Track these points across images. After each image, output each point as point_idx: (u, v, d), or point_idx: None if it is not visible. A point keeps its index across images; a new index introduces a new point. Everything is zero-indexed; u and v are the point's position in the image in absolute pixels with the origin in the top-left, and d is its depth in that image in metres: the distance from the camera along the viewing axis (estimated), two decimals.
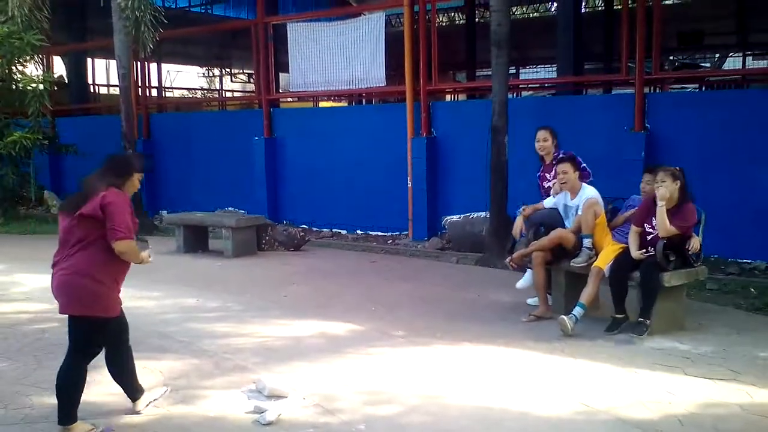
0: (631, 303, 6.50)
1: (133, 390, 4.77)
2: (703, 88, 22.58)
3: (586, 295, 6.55)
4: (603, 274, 6.54)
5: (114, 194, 4.32)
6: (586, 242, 6.79)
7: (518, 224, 7.46)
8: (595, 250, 6.80)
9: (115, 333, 4.58)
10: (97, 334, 4.48)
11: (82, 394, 4.49)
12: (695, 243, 6.42)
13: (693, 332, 6.46)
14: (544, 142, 7.65)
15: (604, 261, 6.58)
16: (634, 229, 6.56)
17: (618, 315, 6.44)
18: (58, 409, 4.43)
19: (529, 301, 7.59)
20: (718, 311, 7.33)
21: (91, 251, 4.33)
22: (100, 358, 4.63)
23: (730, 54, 29.88)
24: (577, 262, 6.76)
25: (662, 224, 6.24)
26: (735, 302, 7.69)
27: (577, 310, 6.47)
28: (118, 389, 4.83)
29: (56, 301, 4.49)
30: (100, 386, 5.13)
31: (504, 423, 4.60)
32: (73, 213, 4.33)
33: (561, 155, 7.33)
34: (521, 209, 7.53)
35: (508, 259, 7.53)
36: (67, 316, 4.49)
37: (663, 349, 5.98)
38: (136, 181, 4.57)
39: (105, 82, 28.86)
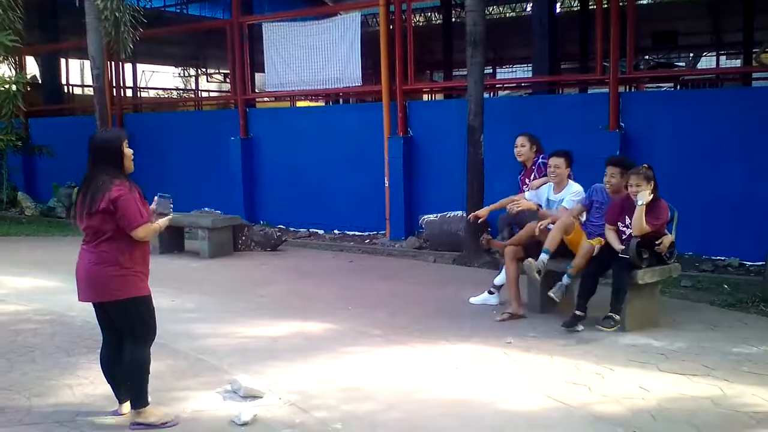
0: (600, 300, 6.55)
1: (126, 390, 4.73)
2: (678, 87, 22.78)
3: (576, 268, 6.62)
4: (593, 252, 6.57)
5: (118, 189, 4.40)
6: (544, 255, 6.73)
7: (482, 212, 7.67)
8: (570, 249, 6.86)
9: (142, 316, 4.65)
10: (148, 310, 4.61)
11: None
12: (666, 241, 6.49)
13: (667, 329, 6.53)
14: (521, 147, 7.85)
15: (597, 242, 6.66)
16: (609, 227, 6.62)
17: (579, 312, 6.46)
18: (137, 395, 4.56)
19: (472, 300, 7.68)
20: (692, 308, 7.40)
21: (111, 241, 4.46)
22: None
23: (705, 53, 30.21)
24: (555, 293, 6.70)
25: (638, 224, 6.29)
26: (709, 299, 7.76)
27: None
28: (100, 391, 4.80)
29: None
30: (81, 387, 5.13)
31: (481, 420, 4.62)
32: (90, 209, 4.42)
33: (554, 151, 7.39)
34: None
35: (483, 236, 7.64)
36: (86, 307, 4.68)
37: (637, 346, 6.04)
38: (128, 152, 4.61)
39: (79, 83, 28.62)
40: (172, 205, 4.82)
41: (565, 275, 6.65)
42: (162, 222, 4.73)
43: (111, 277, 4.45)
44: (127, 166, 4.59)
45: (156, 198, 4.80)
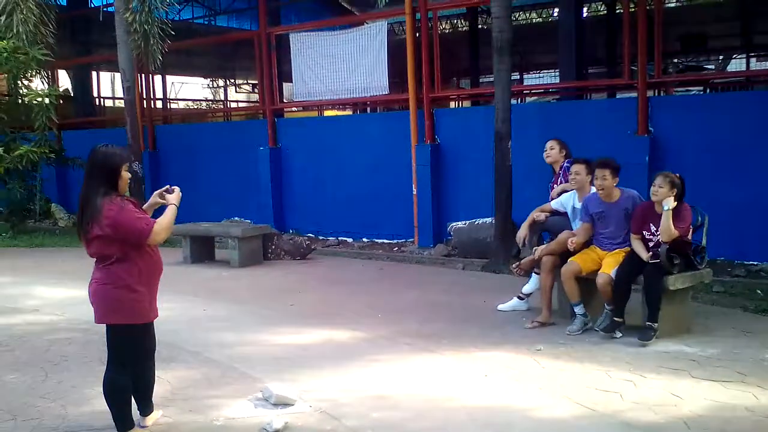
0: (632, 306, 6.53)
1: (147, 404, 4.76)
2: (707, 91, 22.56)
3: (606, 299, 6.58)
4: (612, 280, 6.53)
5: (109, 208, 4.25)
6: (578, 309, 6.75)
7: (522, 232, 7.55)
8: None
9: (147, 339, 4.62)
10: (133, 339, 4.50)
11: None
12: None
13: (699, 335, 6.47)
14: (550, 150, 7.95)
15: (610, 267, 6.58)
16: (634, 237, 6.59)
17: (617, 318, 6.44)
18: (113, 418, 4.49)
19: (500, 307, 7.66)
20: (724, 314, 7.33)
21: (120, 262, 4.35)
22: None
23: (734, 56, 29.88)
24: (572, 330, 6.68)
25: (667, 230, 6.25)
26: (741, 304, 7.66)
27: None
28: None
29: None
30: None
31: (511, 427, 4.61)
32: (86, 236, 4.34)
33: (575, 158, 7.43)
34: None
35: (515, 265, 7.59)
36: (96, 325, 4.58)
37: (669, 352, 5.99)
38: (126, 176, 4.46)
39: (110, 95, 29.01)
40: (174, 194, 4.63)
41: (606, 310, 6.59)
42: (170, 211, 4.51)
43: (118, 300, 4.36)
44: (122, 188, 4.42)
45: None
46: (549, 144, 7.97)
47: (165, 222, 4.41)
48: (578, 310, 6.72)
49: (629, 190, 6.91)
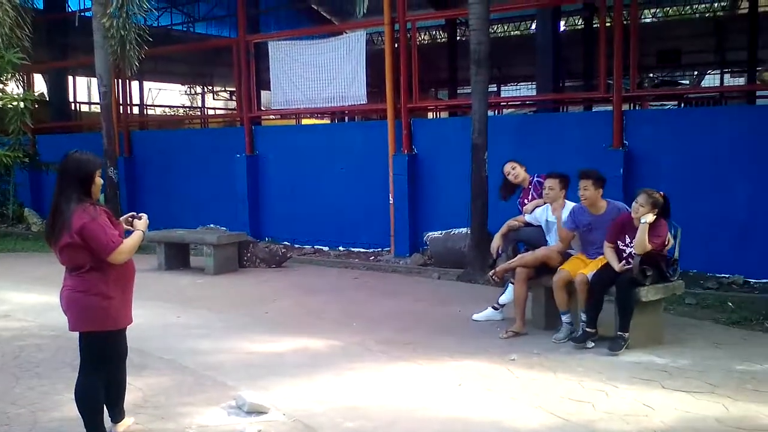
0: (606, 318, 6.58)
1: (119, 411, 4.70)
2: (682, 105, 22.85)
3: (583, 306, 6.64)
4: (587, 280, 6.58)
5: (80, 216, 4.23)
6: (565, 318, 6.81)
7: (496, 242, 7.59)
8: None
9: (120, 345, 4.59)
10: (106, 346, 4.47)
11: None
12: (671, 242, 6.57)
13: (671, 346, 6.52)
14: (512, 170, 7.93)
15: (590, 270, 6.64)
16: (608, 245, 6.64)
17: (589, 329, 6.49)
18: (84, 425, 4.44)
19: (475, 317, 7.69)
20: (696, 325, 7.39)
21: (92, 271, 4.33)
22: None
23: (709, 71, 30.30)
24: (558, 338, 6.74)
25: (641, 243, 6.31)
26: (713, 316, 7.75)
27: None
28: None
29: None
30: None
31: None
32: (56, 244, 4.32)
33: (549, 172, 7.45)
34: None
35: (491, 273, 7.62)
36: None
37: (641, 363, 6.04)
38: (98, 182, 4.46)
39: (86, 100, 28.79)
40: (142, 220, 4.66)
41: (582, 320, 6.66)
42: (136, 236, 4.51)
43: (91, 308, 4.33)
44: (94, 194, 4.42)
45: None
46: (510, 165, 7.93)
47: (129, 244, 4.41)
48: (566, 318, 6.77)
49: (617, 203, 6.99)
